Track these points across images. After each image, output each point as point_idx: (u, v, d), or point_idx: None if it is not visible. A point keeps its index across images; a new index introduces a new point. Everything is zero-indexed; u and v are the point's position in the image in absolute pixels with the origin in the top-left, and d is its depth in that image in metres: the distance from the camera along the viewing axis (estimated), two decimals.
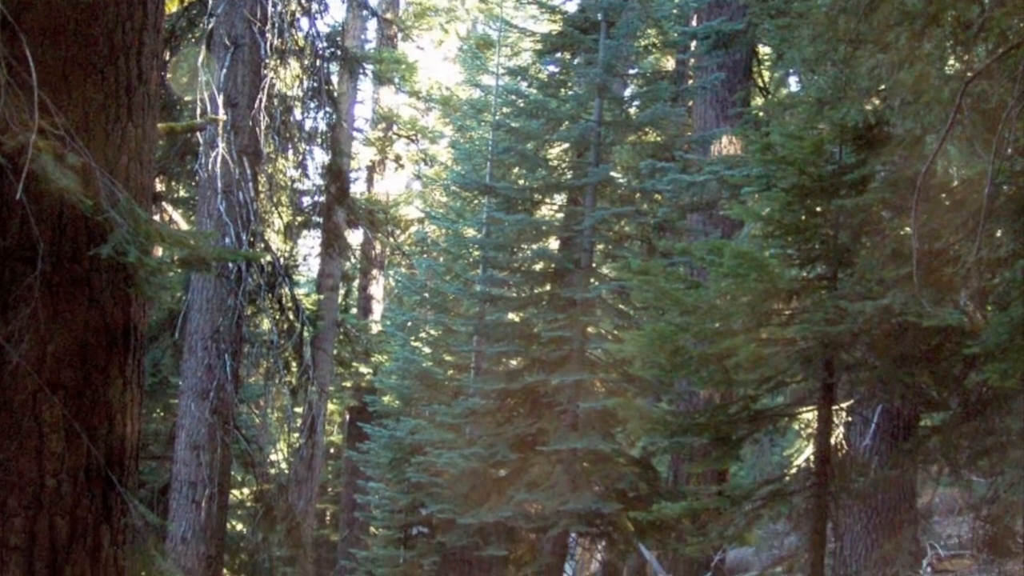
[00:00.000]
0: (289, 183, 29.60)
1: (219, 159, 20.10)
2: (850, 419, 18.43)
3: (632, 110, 27.16)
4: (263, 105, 21.13)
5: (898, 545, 18.86)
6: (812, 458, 16.35)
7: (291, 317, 20.98)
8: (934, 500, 22.87)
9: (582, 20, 26.78)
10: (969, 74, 10.52)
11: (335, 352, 36.65)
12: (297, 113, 24.53)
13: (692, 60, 29.45)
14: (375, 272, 43.85)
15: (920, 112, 11.40)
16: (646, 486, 25.35)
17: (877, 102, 13.64)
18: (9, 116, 7.32)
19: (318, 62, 23.90)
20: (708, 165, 23.23)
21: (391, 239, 42.18)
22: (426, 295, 33.33)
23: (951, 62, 11.85)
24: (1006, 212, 11.24)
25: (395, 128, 44.74)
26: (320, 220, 34.61)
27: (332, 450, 48.29)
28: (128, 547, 8.54)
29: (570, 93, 26.65)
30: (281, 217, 28.56)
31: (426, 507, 28.33)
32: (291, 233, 32.41)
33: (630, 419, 17.35)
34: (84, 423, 8.05)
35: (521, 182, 28.72)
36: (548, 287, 26.92)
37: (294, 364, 21.40)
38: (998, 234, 11.85)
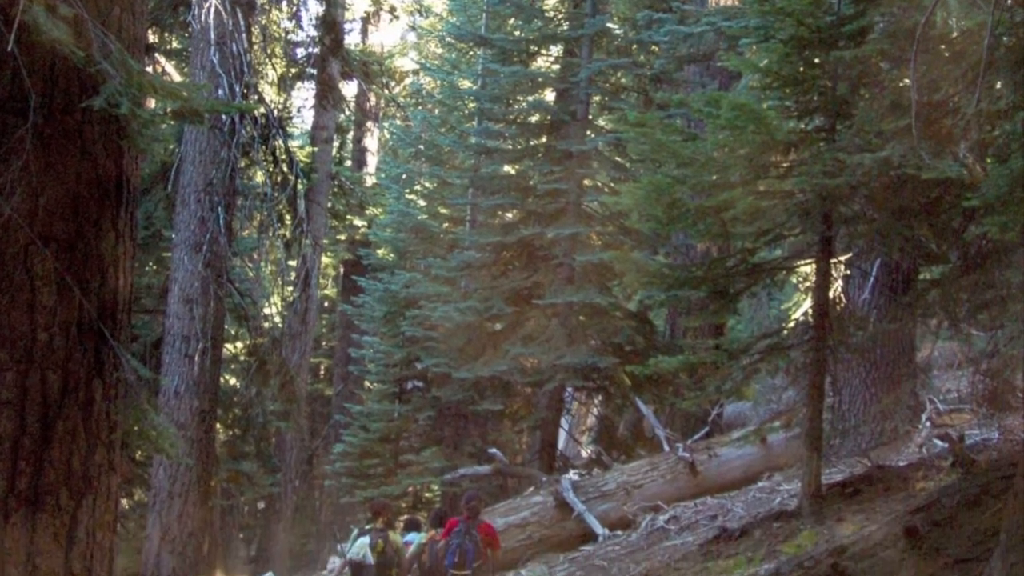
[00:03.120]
0: (283, 34, 29.34)
1: (212, 10, 19.83)
2: (848, 272, 18.37)
3: None
4: None
5: (897, 399, 18.87)
6: (810, 312, 16.32)
7: (285, 169, 20.79)
8: (933, 354, 22.86)
9: None
10: None
11: (329, 205, 36.50)
12: None
13: None
14: (369, 124, 43.58)
15: None
16: (643, 340, 25.40)
17: None
18: None
19: None
20: (705, 16, 22.92)
21: (386, 91, 41.84)
22: (421, 147, 33.22)
23: None
24: (1006, 64, 11.07)
25: None
26: (314, 72, 34.32)
27: (326, 304, 48.27)
28: (120, 401, 8.48)
29: None
30: (275, 69, 28.32)
31: (421, 361, 28.39)
32: (285, 85, 32.19)
33: (627, 272, 17.24)
34: (76, 276, 7.96)
35: (517, 33, 28.46)
36: (544, 139, 26.79)
37: (288, 217, 21.26)
38: (998, 86, 11.69)
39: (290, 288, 28.70)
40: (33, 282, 7.78)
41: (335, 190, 38.05)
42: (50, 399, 7.88)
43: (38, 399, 7.83)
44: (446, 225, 32.55)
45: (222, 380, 24.44)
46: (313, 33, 30.29)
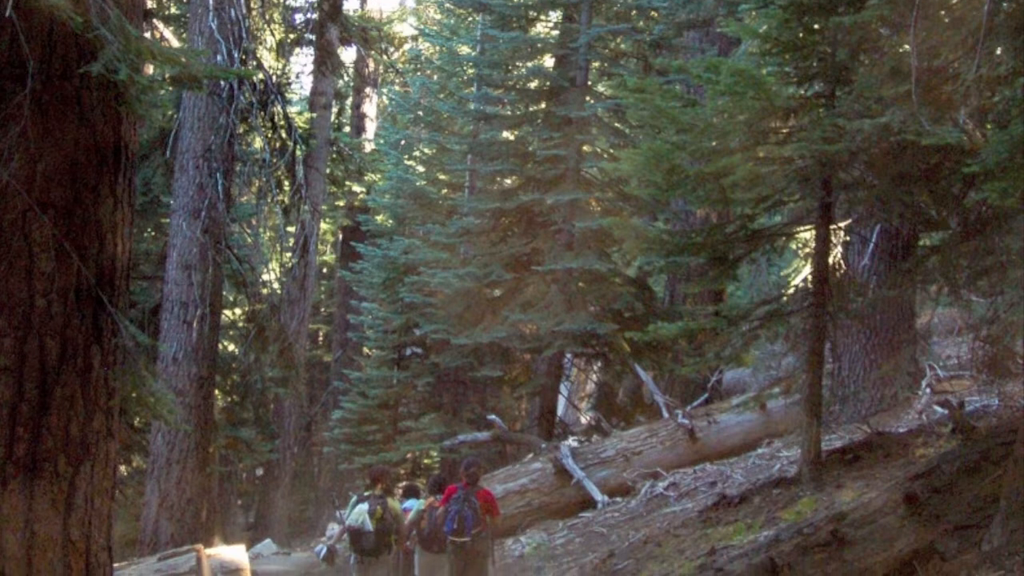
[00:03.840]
0: (281, 0, 29.25)
1: None
2: (848, 239, 18.36)
3: None
4: None
5: (897, 366, 18.87)
6: (810, 278, 16.29)
7: (283, 135, 20.78)
8: (933, 320, 22.87)
9: None
10: None
11: (328, 171, 36.47)
12: None
13: None
14: (368, 90, 43.51)
15: None
16: (642, 306, 25.40)
17: None
18: None
19: None
20: None
21: (384, 57, 41.74)
22: (420, 113, 33.17)
23: None
24: (1006, 29, 11.01)
25: None
26: (312, 37, 34.30)
27: (325, 270, 48.30)
28: (119, 367, 8.48)
29: None
30: (273, 34, 28.26)
31: (420, 327, 28.41)
32: (283, 51, 32.11)
33: (626, 239, 17.23)
34: (74, 243, 7.94)
35: None
36: (543, 105, 26.72)
37: (286, 183, 21.25)
38: (998, 52, 11.63)
39: (288, 254, 28.72)
40: (31, 248, 7.76)
41: (334, 156, 38.01)
42: (48, 365, 7.87)
43: (36, 365, 7.81)
44: (445, 191, 32.54)
45: (220, 346, 24.46)
46: None
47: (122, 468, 25.82)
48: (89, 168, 8.11)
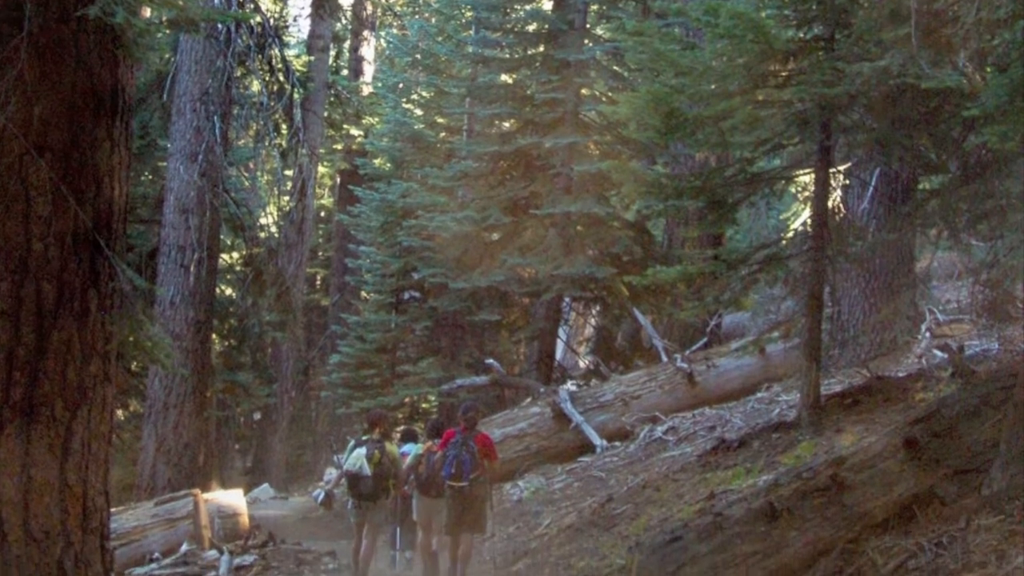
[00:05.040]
0: None
1: None
2: (848, 182, 18.32)
3: None
4: None
5: (896, 310, 18.86)
6: (809, 222, 16.27)
7: (281, 79, 20.70)
8: (932, 264, 22.82)
9: None
10: None
11: (325, 114, 36.38)
12: None
13: None
14: (366, 33, 43.29)
15: None
16: (641, 250, 25.38)
17: None
18: None
19: None
20: None
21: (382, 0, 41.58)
22: (418, 56, 33.09)
23: None
24: None
25: None
26: None
27: (323, 214, 48.18)
28: (116, 312, 8.47)
29: None
30: None
31: (418, 271, 28.37)
32: None
33: (624, 182, 17.17)
34: (71, 186, 7.92)
35: None
36: (541, 48, 26.65)
37: (284, 126, 21.20)
38: None
39: (286, 198, 28.64)
40: (28, 192, 7.74)
41: (331, 99, 37.92)
42: (45, 310, 7.87)
43: (33, 310, 7.81)
44: (443, 134, 32.48)
45: (218, 290, 24.45)
46: None
47: (119, 412, 25.84)
48: (86, 112, 8.09)
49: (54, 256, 7.84)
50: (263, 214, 27.81)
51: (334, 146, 42.25)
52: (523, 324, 29.52)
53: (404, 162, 31.99)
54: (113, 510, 10.86)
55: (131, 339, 8.98)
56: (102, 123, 8.21)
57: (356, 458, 15.28)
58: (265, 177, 32.50)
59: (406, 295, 31.15)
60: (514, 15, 27.98)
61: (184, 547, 16.63)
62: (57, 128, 7.89)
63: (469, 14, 29.84)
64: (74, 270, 7.98)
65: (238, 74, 21.23)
